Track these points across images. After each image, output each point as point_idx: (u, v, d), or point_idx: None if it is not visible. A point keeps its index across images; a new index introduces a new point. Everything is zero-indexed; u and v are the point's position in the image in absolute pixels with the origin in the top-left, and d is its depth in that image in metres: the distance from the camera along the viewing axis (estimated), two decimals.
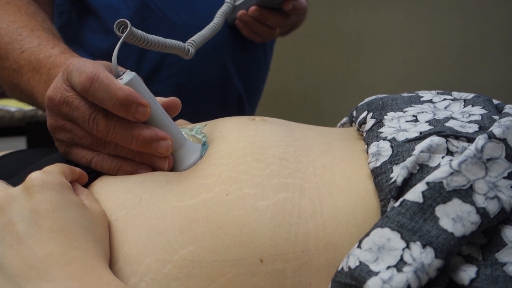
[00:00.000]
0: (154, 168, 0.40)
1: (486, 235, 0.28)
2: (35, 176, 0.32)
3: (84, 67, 0.37)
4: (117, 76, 0.38)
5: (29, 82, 0.54)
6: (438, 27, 1.46)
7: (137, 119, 0.37)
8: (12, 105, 1.46)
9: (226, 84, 0.79)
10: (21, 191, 0.31)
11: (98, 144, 0.40)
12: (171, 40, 0.44)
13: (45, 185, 0.31)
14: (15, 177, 0.47)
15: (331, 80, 1.71)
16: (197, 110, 0.78)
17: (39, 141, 1.46)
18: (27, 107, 1.45)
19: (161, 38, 0.43)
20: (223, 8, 0.64)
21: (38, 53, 0.55)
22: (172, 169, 0.40)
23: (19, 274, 0.27)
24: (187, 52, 0.47)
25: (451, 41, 1.44)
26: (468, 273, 0.27)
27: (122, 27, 0.39)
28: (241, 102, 0.83)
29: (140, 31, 0.40)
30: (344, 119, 0.52)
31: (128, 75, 0.38)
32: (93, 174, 0.41)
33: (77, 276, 0.28)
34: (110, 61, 0.41)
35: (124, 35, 0.38)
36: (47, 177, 0.32)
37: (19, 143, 1.43)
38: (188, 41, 0.49)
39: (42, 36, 0.57)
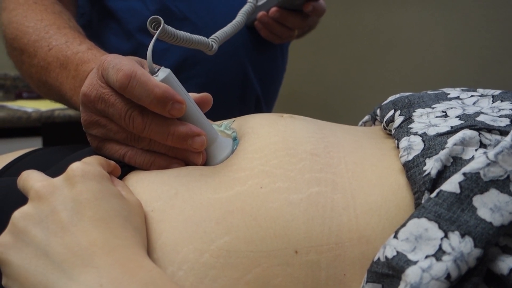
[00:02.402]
0: (187, 163, 0.40)
1: None
2: (76, 167, 0.33)
3: (121, 65, 0.38)
4: (153, 73, 0.39)
5: (57, 78, 0.55)
6: (453, 27, 1.47)
7: (173, 115, 0.38)
8: (29, 106, 1.48)
9: (245, 84, 0.80)
10: (63, 181, 0.32)
11: (132, 139, 0.40)
12: (197, 35, 0.45)
13: (85, 175, 0.32)
14: (48, 170, 0.48)
15: (345, 81, 1.72)
16: (216, 110, 0.79)
17: (55, 141, 1.48)
18: (43, 108, 1.47)
19: (188, 34, 0.43)
20: (246, 8, 0.65)
21: (66, 50, 0.56)
22: (205, 163, 0.41)
23: (64, 261, 0.28)
24: (210, 48, 0.48)
25: (466, 41, 1.44)
26: (507, 263, 0.27)
27: (154, 23, 0.39)
28: (259, 102, 0.84)
29: (170, 27, 0.41)
30: (366, 117, 0.53)
31: (164, 72, 0.39)
32: (125, 169, 0.42)
33: (119, 263, 0.28)
34: None
35: (158, 31, 0.39)
36: (88, 167, 0.33)
37: (35, 143, 1.45)
38: (211, 37, 0.50)
39: (68, 34, 0.59)
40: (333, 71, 1.75)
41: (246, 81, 0.79)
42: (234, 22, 0.58)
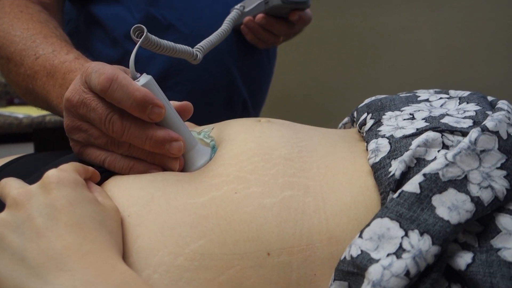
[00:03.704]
0: (165, 169, 0.41)
1: (481, 223, 0.30)
2: (51, 174, 0.34)
3: (103, 69, 0.39)
4: (134, 78, 0.40)
5: (44, 87, 0.56)
6: (440, 29, 1.49)
7: (152, 119, 0.39)
8: (20, 112, 1.48)
9: (231, 89, 0.81)
10: (38, 187, 0.33)
11: (112, 144, 0.41)
12: (180, 45, 0.46)
13: (61, 182, 0.33)
14: (29, 177, 0.49)
15: (334, 82, 1.74)
16: (203, 115, 0.80)
17: (46, 147, 1.49)
18: (34, 114, 1.48)
19: (172, 43, 0.44)
20: (232, 15, 0.66)
21: (53, 59, 0.57)
22: (183, 170, 0.42)
23: (39, 265, 0.29)
24: (195, 57, 0.49)
25: (454, 42, 1.46)
26: (464, 259, 0.28)
27: (137, 32, 0.41)
28: (246, 106, 0.85)
29: (154, 36, 0.42)
30: (346, 119, 0.54)
31: (145, 78, 0.40)
32: (105, 174, 0.43)
33: (93, 267, 0.29)
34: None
35: (140, 40, 0.40)
36: (63, 174, 0.34)
37: (27, 149, 1.46)
38: (196, 46, 0.51)
39: (55, 43, 0.60)
40: (323, 73, 1.76)
41: (233, 86, 0.80)
42: (219, 30, 0.59)
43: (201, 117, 0.70)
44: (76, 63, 0.55)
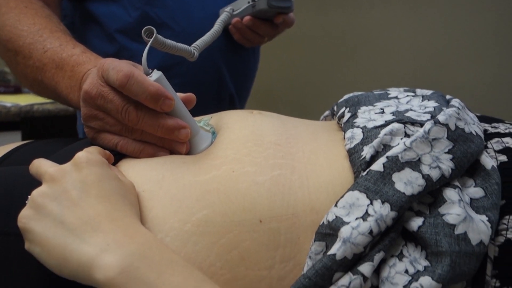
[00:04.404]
0: (172, 152, 0.48)
1: (432, 196, 0.38)
2: (81, 155, 0.40)
3: (120, 67, 0.45)
4: (147, 73, 0.46)
5: (53, 78, 0.62)
6: (418, 29, 1.57)
7: (163, 110, 0.45)
8: (8, 101, 1.51)
9: (219, 84, 0.87)
10: (71, 166, 0.39)
11: (126, 131, 0.47)
12: (181, 44, 0.52)
13: (89, 161, 0.40)
14: (49, 158, 0.55)
15: (314, 79, 1.82)
16: (193, 107, 0.87)
17: (34, 136, 1.52)
18: (22, 103, 1.51)
19: (174, 42, 0.51)
20: (223, 17, 0.72)
21: (61, 52, 0.62)
22: (187, 153, 0.48)
23: (77, 228, 0.36)
24: (192, 55, 0.55)
25: (433, 42, 1.55)
26: (416, 222, 0.36)
27: (147, 33, 0.47)
28: (233, 100, 0.92)
29: (160, 36, 0.48)
30: (327, 112, 0.61)
31: (156, 74, 0.46)
32: (116, 157, 0.49)
33: (120, 229, 0.36)
34: None
35: (151, 40, 0.46)
36: (91, 155, 0.40)
37: (14, 138, 1.49)
38: (193, 45, 0.57)
39: (61, 37, 0.65)
40: (303, 70, 1.84)
41: (221, 81, 0.87)
42: (212, 31, 0.65)
43: (192, 109, 0.76)
44: (83, 56, 0.61)
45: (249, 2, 0.77)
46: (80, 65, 0.60)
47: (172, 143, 0.48)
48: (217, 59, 0.85)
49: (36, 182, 0.43)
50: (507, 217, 0.38)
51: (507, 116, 1.39)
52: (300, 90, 1.85)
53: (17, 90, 1.72)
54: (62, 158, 0.46)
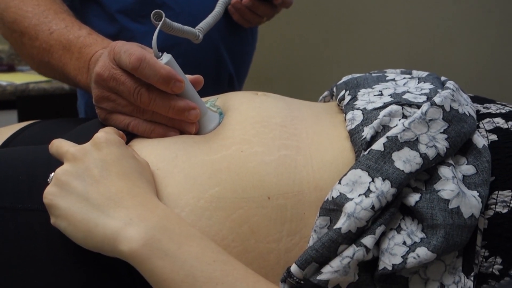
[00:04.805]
0: (181, 132, 0.50)
1: (428, 173, 0.41)
2: (100, 135, 0.42)
3: (132, 50, 0.47)
4: (157, 57, 0.48)
5: (60, 60, 0.63)
6: (416, 3, 1.59)
7: (174, 91, 0.47)
8: (3, 79, 1.51)
9: (218, 64, 0.89)
10: (91, 146, 0.42)
11: (137, 112, 0.50)
12: (187, 27, 0.54)
13: (108, 141, 0.42)
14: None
15: (309, 56, 1.83)
16: None
17: (30, 114, 1.52)
18: (18, 81, 1.50)
19: (181, 25, 0.52)
20: None
21: (67, 34, 0.63)
22: (196, 133, 0.51)
23: (101, 204, 0.38)
24: (197, 37, 0.57)
25: (423, 21, 1.57)
26: (414, 198, 0.40)
27: (156, 16, 0.48)
28: (232, 80, 0.94)
29: (168, 20, 0.49)
30: (326, 93, 0.64)
31: (166, 57, 0.48)
32: (128, 138, 0.52)
33: (142, 204, 0.39)
34: None
35: (160, 23, 0.48)
36: (109, 136, 0.43)
37: (10, 117, 1.49)
38: (197, 27, 0.59)
39: (66, 19, 0.66)
40: (297, 47, 1.85)
41: (220, 61, 0.88)
42: (214, 12, 0.67)
43: None
44: (90, 38, 0.62)
45: None
46: (87, 46, 0.61)
47: (182, 123, 0.50)
48: (216, 40, 0.86)
49: (54, 161, 0.45)
50: (496, 192, 0.41)
51: (499, 94, 1.43)
52: (295, 67, 1.87)
53: (10, 68, 1.71)
54: (75, 137, 0.48)
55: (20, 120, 1.51)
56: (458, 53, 1.52)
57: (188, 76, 0.52)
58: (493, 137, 0.45)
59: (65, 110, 1.60)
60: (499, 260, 0.40)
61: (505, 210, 0.41)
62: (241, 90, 1.01)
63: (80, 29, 0.64)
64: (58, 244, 0.41)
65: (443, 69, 1.52)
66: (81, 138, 0.47)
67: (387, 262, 0.38)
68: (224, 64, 0.89)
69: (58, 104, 1.62)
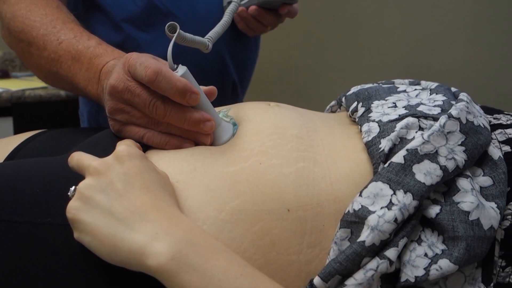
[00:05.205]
0: (196, 143, 0.50)
1: (446, 185, 0.42)
2: (122, 149, 0.42)
3: (148, 63, 0.47)
4: (173, 69, 0.48)
5: (69, 70, 0.63)
6: (408, 14, 1.61)
7: (190, 104, 0.47)
8: None
9: (223, 72, 0.89)
10: (113, 159, 0.42)
11: (152, 123, 0.50)
12: (198, 37, 0.54)
13: (131, 154, 0.42)
14: (57, 153, 0.56)
15: (307, 63, 1.84)
16: None
17: (26, 122, 1.51)
18: (13, 88, 1.49)
19: (193, 36, 0.52)
20: (231, 7, 0.74)
21: (76, 44, 0.63)
22: (211, 144, 0.51)
23: (126, 218, 0.38)
24: (207, 47, 0.57)
25: (420, 26, 1.60)
26: (434, 210, 0.40)
27: (170, 28, 0.48)
28: (235, 87, 0.94)
29: (182, 31, 0.49)
30: (333, 102, 0.65)
31: (182, 69, 0.48)
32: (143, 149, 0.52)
33: (166, 218, 0.39)
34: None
35: (175, 35, 0.48)
36: (131, 149, 0.43)
37: (5, 124, 1.47)
38: (206, 37, 0.59)
39: (75, 29, 0.66)
40: (296, 54, 1.86)
41: (224, 69, 0.89)
42: (222, 21, 0.67)
43: None
44: (100, 48, 0.62)
45: None
46: (97, 57, 0.61)
47: (197, 135, 0.50)
48: (221, 48, 0.86)
49: (69, 173, 0.45)
50: (511, 203, 0.42)
51: (495, 99, 1.45)
52: (294, 74, 1.88)
53: (5, 75, 1.69)
54: (88, 149, 0.48)
55: (16, 127, 1.49)
56: (455, 59, 1.54)
57: (202, 87, 0.52)
58: (507, 148, 0.46)
59: (61, 117, 1.59)
60: None
61: None
62: (243, 97, 1.01)
63: (89, 39, 0.64)
64: (80, 259, 0.41)
65: (440, 74, 1.54)
66: (94, 150, 0.47)
67: (410, 274, 0.39)
68: (228, 71, 0.90)
69: (55, 111, 1.61)
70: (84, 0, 0.83)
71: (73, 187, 0.41)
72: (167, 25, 0.49)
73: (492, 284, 0.40)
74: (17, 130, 1.45)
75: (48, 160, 0.51)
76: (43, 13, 0.68)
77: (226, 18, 0.70)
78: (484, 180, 0.43)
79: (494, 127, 0.49)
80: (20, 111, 1.51)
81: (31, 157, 0.61)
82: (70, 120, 1.44)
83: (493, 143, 0.46)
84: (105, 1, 0.81)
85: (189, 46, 0.54)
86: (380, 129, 0.46)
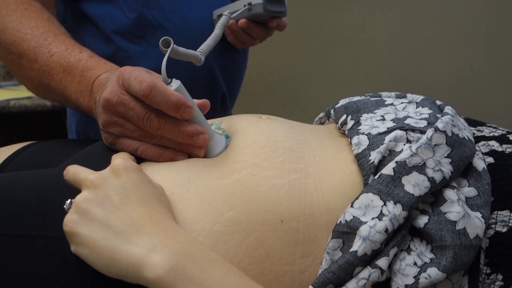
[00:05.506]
0: (189, 155, 0.51)
1: (433, 195, 0.43)
2: (118, 162, 0.43)
3: (142, 77, 0.47)
4: (167, 83, 0.49)
5: (61, 82, 0.63)
6: (391, 26, 1.65)
7: (184, 117, 0.48)
8: None
9: (212, 84, 0.90)
10: (110, 172, 0.42)
11: (146, 136, 0.50)
12: (191, 50, 0.55)
13: (127, 168, 0.43)
14: (61, 164, 0.56)
15: (293, 75, 1.87)
16: None
17: (11, 132, 1.49)
18: None
19: (186, 49, 0.54)
20: (222, 21, 0.75)
21: (68, 56, 0.63)
22: (204, 156, 0.52)
23: (123, 231, 0.39)
24: (200, 60, 0.58)
25: (402, 39, 1.64)
26: (423, 220, 0.42)
27: (164, 42, 0.49)
28: (224, 99, 0.95)
29: (176, 46, 0.50)
30: (322, 114, 0.66)
31: (176, 83, 0.49)
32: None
33: (164, 230, 0.39)
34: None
35: (169, 49, 0.49)
36: (127, 162, 0.43)
37: None
38: (198, 50, 0.60)
39: (66, 41, 0.66)
40: (282, 65, 1.89)
41: (214, 81, 0.90)
42: (214, 34, 0.68)
43: None
44: (92, 61, 0.63)
45: (245, 6, 0.80)
46: (89, 70, 0.61)
47: (190, 147, 0.51)
48: (211, 61, 0.88)
49: (64, 186, 0.45)
50: (495, 212, 0.44)
51: (477, 109, 1.49)
52: (281, 86, 1.90)
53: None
54: (81, 162, 0.48)
55: (0, 137, 1.48)
56: (439, 70, 1.59)
57: (195, 100, 0.53)
58: (490, 159, 0.48)
59: (47, 128, 1.58)
60: (500, 277, 0.43)
61: (505, 229, 0.43)
62: (232, 108, 1.02)
63: (81, 52, 0.64)
64: (75, 271, 0.41)
65: (424, 85, 1.58)
66: (88, 163, 0.47)
67: (400, 282, 0.40)
68: (218, 83, 0.91)
69: (40, 122, 1.60)
70: (74, 12, 0.84)
71: (69, 200, 0.42)
72: (161, 40, 0.50)
73: None
74: (1, 141, 1.43)
75: (42, 172, 0.51)
76: (34, 25, 0.68)
77: (217, 31, 0.72)
78: (469, 191, 0.45)
79: (478, 139, 0.51)
80: (4, 121, 1.49)
81: (22, 169, 0.61)
82: (56, 131, 1.43)
83: (477, 155, 0.48)
84: (95, 14, 0.81)
85: (183, 60, 0.55)
86: (369, 141, 0.48)
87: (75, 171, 0.43)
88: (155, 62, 0.84)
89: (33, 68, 0.66)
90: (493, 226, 0.44)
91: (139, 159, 0.52)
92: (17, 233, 0.42)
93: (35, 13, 0.70)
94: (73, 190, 0.43)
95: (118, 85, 0.50)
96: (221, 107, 0.95)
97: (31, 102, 1.51)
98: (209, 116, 0.61)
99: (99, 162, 0.49)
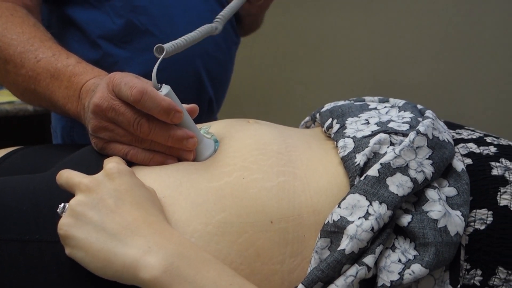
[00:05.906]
0: (179, 159, 0.52)
1: (416, 195, 0.45)
2: (112, 166, 0.44)
3: (133, 82, 0.48)
4: (157, 88, 0.50)
5: (48, 88, 0.63)
6: (375, 31, 1.69)
7: (173, 122, 0.49)
8: None
9: (199, 88, 0.91)
10: (103, 176, 0.43)
11: (136, 141, 0.51)
12: (201, 29, 0.55)
13: (120, 171, 0.43)
14: (51, 168, 0.57)
15: (276, 80, 1.89)
16: None
17: None
18: None
19: (192, 34, 0.53)
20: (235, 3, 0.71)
21: (55, 62, 0.63)
22: (193, 160, 0.53)
23: (118, 233, 0.39)
24: (215, 30, 0.57)
25: (386, 43, 1.68)
26: (406, 219, 0.44)
27: (158, 49, 0.50)
28: (211, 103, 0.96)
29: (171, 47, 0.51)
30: (307, 118, 0.68)
31: (165, 88, 0.50)
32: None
33: (158, 232, 0.40)
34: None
35: (161, 57, 0.49)
36: (120, 166, 0.44)
37: None
38: (216, 18, 0.59)
39: (53, 47, 0.66)
40: (265, 71, 1.91)
41: (201, 85, 0.91)
42: (233, 3, 0.63)
43: None
44: (79, 67, 0.63)
45: None
46: (77, 75, 0.62)
47: (180, 151, 0.52)
48: (198, 65, 0.89)
49: (55, 190, 0.46)
50: (474, 211, 0.46)
51: (457, 112, 1.54)
52: (266, 90, 1.92)
53: None
54: (72, 166, 0.49)
55: None
56: (419, 74, 1.63)
57: (184, 105, 0.54)
58: (468, 161, 0.50)
59: (28, 133, 1.56)
60: (479, 272, 0.45)
61: (483, 227, 0.46)
62: (218, 113, 1.04)
63: (68, 57, 0.65)
64: (70, 275, 0.42)
65: (405, 89, 1.63)
66: (79, 167, 0.48)
67: (385, 279, 0.42)
68: (205, 88, 0.92)
69: (21, 127, 1.58)
70: (59, 17, 0.83)
71: (62, 204, 0.42)
72: (155, 47, 0.50)
73: (459, 286, 0.44)
74: None
75: (33, 177, 0.52)
76: (19, 31, 0.68)
77: (236, 2, 0.67)
78: (450, 191, 0.47)
79: (457, 141, 0.53)
80: None
81: (10, 175, 0.61)
82: (38, 136, 1.41)
83: (457, 156, 0.50)
84: (81, 19, 0.81)
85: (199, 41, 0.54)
86: (355, 144, 0.50)
87: (68, 175, 0.44)
88: (143, 67, 0.85)
89: (19, 74, 0.66)
90: (472, 224, 0.46)
91: (130, 164, 0.52)
92: (10, 238, 0.43)
93: (20, 19, 0.70)
94: (65, 194, 0.44)
95: (108, 91, 0.51)
96: (207, 111, 0.96)
97: (12, 107, 1.49)
98: (195, 120, 0.62)
99: (91, 167, 0.49)
